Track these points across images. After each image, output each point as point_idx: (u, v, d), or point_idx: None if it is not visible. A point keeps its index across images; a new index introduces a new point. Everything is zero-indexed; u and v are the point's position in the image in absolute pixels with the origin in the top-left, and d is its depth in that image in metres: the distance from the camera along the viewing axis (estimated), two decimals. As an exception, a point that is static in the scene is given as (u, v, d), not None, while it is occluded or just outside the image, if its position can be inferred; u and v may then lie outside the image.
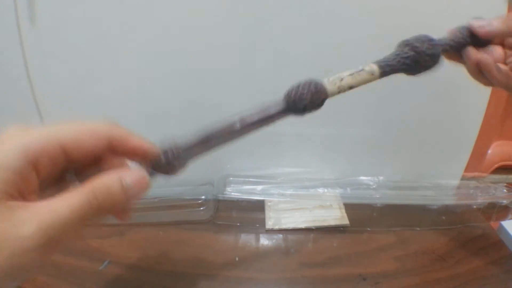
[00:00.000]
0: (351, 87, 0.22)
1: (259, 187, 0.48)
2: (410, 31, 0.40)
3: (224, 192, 0.46)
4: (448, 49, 0.26)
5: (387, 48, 0.26)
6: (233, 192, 0.46)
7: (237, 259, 0.40)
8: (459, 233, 0.44)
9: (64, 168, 0.20)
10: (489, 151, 0.53)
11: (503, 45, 0.30)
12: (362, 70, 0.22)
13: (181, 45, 0.42)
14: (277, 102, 0.22)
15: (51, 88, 0.46)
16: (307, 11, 0.40)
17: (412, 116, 0.47)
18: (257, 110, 0.22)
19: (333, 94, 0.22)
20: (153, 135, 0.27)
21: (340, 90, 0.22)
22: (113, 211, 0.20)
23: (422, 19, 0.40)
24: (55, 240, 0.17)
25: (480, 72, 0.29)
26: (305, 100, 0.21)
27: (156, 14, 0.41)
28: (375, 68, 0.23)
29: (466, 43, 0.27)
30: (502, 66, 0.29)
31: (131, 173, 0.20)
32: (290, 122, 0.46)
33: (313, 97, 0.21)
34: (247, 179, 0.49)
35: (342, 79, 0.22)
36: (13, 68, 0.45)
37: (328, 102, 0.24)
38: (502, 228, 0.45)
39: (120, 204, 0.19)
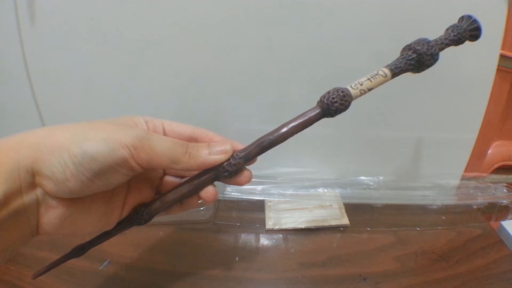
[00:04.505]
0: (370, 89, 0.26)
1: (259, 187, 0.48)
2: (410, 30, 0.40)
3: (224, 192, 0.46)
4: (444, 47, 0.29)
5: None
6: (233, 192, 0.46)
7: (237, 259, 0.40)
8: (459, 233, 0.44)
9: None
10: (489, 151, 0.54)
11: None
12: (377, 74, 0.26)
13: (180, 45, 0.42)
14: (313, 108, 0.26)
15: (51, 88, 0.46)
16: (306, 13, 0.40)
17: (412, 116, 0.47)
18: (298, 116, 0.26)
19: (356, 96, 0.26)
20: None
21: (362, 93, 0.26)
22: (196, 164, 0.24)
23: (422, 19, 0.40)
24: (142, 154, 0.21)
25: None
26: (336, 104, 0.25)
27: (156, 14, 0.41)
28: (387, 71, 0.27)
29: (459, 40, 0.30)
30: None
31: (217, 144, 0.25)
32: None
33: (341, 100, 0.25)
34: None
35: (362, 84, 0.26)
36: (13, 68, 0.45)
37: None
38: (502, 228, 0.45)
39: (202, 159, 0.24)
